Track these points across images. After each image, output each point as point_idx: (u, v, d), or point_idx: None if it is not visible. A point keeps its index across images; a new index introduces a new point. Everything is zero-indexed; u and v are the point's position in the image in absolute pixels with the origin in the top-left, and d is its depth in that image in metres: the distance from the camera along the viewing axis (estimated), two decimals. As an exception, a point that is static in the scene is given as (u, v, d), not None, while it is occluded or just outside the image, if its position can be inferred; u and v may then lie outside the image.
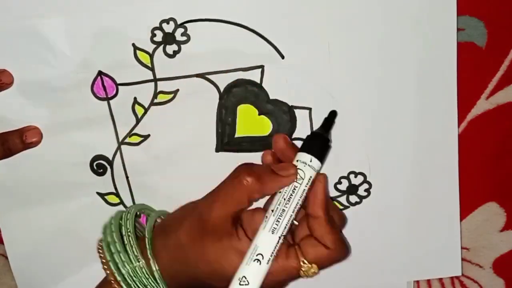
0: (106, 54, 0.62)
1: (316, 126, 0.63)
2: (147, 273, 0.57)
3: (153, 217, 0.62)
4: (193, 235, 0.56)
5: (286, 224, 0.54)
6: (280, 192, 0.55)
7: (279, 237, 0.54)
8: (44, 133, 0.64)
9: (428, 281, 0.72)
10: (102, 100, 0.63)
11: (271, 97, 0.62)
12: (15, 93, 0.62)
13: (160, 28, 0.60)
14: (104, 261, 0.58)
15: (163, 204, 0.66)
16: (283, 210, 0.54)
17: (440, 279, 0.72)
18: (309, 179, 0.55)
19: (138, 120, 0.64)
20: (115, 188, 0.66)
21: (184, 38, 0.61)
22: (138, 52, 0.61)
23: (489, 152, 0.67)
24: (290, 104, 0.63)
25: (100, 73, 0.62)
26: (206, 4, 0.59)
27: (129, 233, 0.59)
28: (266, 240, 0.54)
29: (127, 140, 0.64)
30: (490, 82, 0.64)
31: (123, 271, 0.57)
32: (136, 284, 0.57)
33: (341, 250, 0.56)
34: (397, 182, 0.65)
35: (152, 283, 0.57)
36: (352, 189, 0.66)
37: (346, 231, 0.67)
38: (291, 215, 0.55)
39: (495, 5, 0.61)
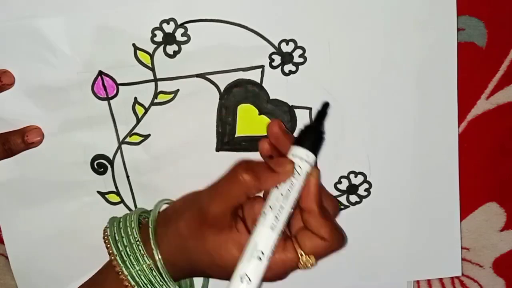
0: (106, 54, 0.62)
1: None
2: (153, 270, 0.57)
3: (158, 206, 0.62)
4: (193, 226, 0.56)
5: (285, 220, 0.55)
6: (277, 187, 0.55)
7: (278, 234, 0.54)
8: (45, 133, 0.64)
9: (428, 281, 0.72)
10: (102, 100, 0.63)
11: (271, 97, 0.63)
12: (16, 93, 0.62)
13: (160, 28, 0.60)
14: (110, 251, 0.59)
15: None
16: (281, 207, 0.54)
17: (440, 279, 0.72)
18: (305, 173, 0.55)
19: (138, 120, 0.64)
20: (116, 187, 0.66)
21: (185, 38, 0.61)
22: (138, 52, 0.61)
23: (489, 152, 0.67)
24: (290, 104, 0.63)
25: (100, 73, 0.62)
26: (206, 4, 0.60)
27: (134, 232, 0.59)
28: (266, 237, 0.54)
29: (127, 139, 0.65)
30: (490, 82, 0.64)
31: (131, 269, 0.57)
32: (141, 278, 0.57)
33: (337, 240, 0.56)
34: (397, 182, 0.66)
35: (156, 277, 0.57)
36: (352, 189, 0.66)
37: (346, 231, 0.67)
38: (289, 211, 0.55)
39: (495, 5, 0.61)
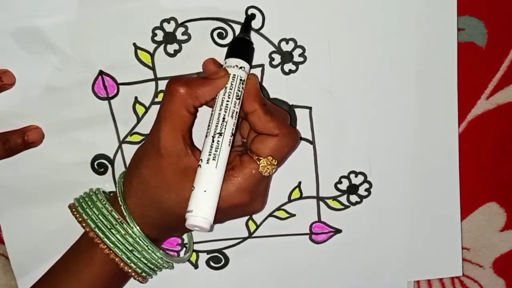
0: (107, 53, 0.62)
1: (317, 125, 0.63)
2: (123, 223, 0.58)
3: (122, 173, 0.62)
4: (152, 166, 0.56)
5: (230, 127, 0.55)
6: (226, 105, 0.55)
7: (228, 142, 0.55)
8: (45, 132, 0.64)
9: (429, 280, 0.72)
10: (103, 100, 0.63)
11: (271, 96, 0.63)
12: (17, 93, 0.63)
13: (161, 27, 0.60)
14: (80, 219, 0.59)
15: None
16: (223, 113, 0.55)
17: (440, 279, 0.72)
18: (241, 81, 0.56)
19: (139, 119, 0.64)
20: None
21: (185, 37, 0.61)
22: (139, 51, 0.61)
23: (489, 152, 0.67)
24: (290, 103, 0.63)
25: (101, 72, 0.62)
26: (207, 4, 0.60)
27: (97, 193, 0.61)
28: (225, 153, 0.55)
29: (128, 139, 0.65)
30: (490, 82, 0.64)
31: (104, 230, 0.58)
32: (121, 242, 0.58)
33: (289, 133, 0.56)
34: (397, 182, 0.66)
35: (138, 241, 0.58)
36: (352, 189, 0.66)
37: (346, 231, 0.67)
38: (231, 118, 0.55)
39: (495, 5, 0.61)
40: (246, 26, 0.59)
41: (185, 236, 0.68)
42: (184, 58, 0.61)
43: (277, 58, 0.61)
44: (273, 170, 0.56)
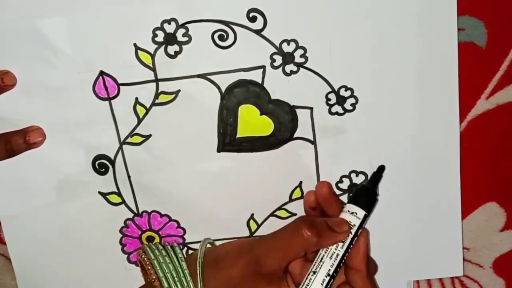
0: (107, 54, 0.62)
1: (318, 125, 0.64)
2: None
3: (204, 244, 0.62)
4: (246, 276, 0.57)
5: (335, 276, 0.58)
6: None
7: (322, 279, 0.57)
8: (46, 133, 0.64)
9: (429, 280, 0.72)
10: (103, 100, 0.63)
11: (272, 97, 0.63)
12: (18, 94, 0.63)
13: (161, 28, 0.60)
14: (154, 277, 0.59)
15: (165, 204, 0.67)
16: (332, 264, 0.57)
17: (440, 279, 0.72)
18: (356, 232, 0.59)
19: (139, 120, 0.64)
20: (117, 188, 0.66)
21: (186, 38, 0.61)
22: (139, 52, 0.61)
23: (489, 152, 0.67)
24: (291, 104, 0.63)
25: (101, 73, 0.62)
26: (207, 5, 0.60)
27: (182, 263, 0.60)
28: (306, 281, 0.57)
29: (128, 140, 0.65)
30: (490, 82, 0.64)
31: None
32: None
33: None
34: (398, 181, 0.66)
35: None
36: (353, 188, 0.66)
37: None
38: (338, 268, 0.58)
39: (495, 5, 0.61)
40: (377, 177, 0.62)
41: None
42: (185, 60, 0.61)
43: (279, 60, 0.61)
44: None
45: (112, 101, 0.63)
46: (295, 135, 0.64)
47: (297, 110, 0.63)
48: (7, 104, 0.63)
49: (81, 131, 0.64)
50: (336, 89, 0.62)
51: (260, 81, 0.62)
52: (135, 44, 0.61)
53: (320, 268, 0.57)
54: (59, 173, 0.66)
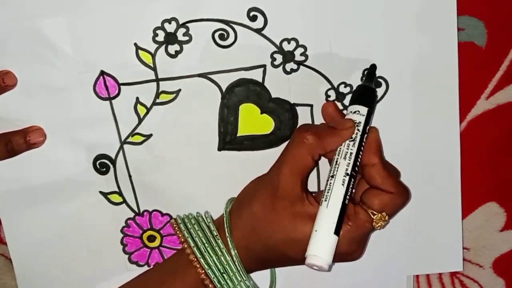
0: (108, 54, 0.62)
1: (318, 122, 0.64)
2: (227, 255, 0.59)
3: (230, 199, 0.63)
4: (266, 203, 0.57)
5: (353, 174, 0.56)
6: (339, 149, 0.57)
7: (349, 188, 0.56)
8: (47, 133, 0.64)
9: (428, 280, 0.72)
10: (104, 100, 0.63)
11: (273, 96, 0.63)
12: (18, 94, 0.63)
13: (162, 28, 0.61)
14: (183, 240, 0.60)
15: (166, 203, 0.67)
16: (348, 163, 0.56)
17: (440, 279, 0.72)
18: (364, 129, 0.58)
19: (140, 120, 0.64)
20: (118, 187, 0.67)
21: (186, 38, 0.61)
22: (140, 51, 0.61)
23: (489, 152, 0.67)
24: (292, 102, 0.63)
25: (102, 72, 0.62)
26: (208, 4, 0.60)
27: (207, 219, 0.62)
28: (338, 193, 0.56)
29: (129, 139, 0.65)
30: (490, 82, 0.64)
31: (207, 258, 0.59)
32: (216, 266, 0.59)
33: (404, 193, 0.58)
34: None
35: (233, 269, 0.59)
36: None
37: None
38: (356, 165, 0.57)
39: (495, 5, 0.61)
40: (371, 75, 0.61)
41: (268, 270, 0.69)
42: (185, 59, 0.61)
43: (279, 58, 0.61)
44: (385, 225, 0.57)
45: (113, 101, 0.63)
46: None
47: (297, 108, 0.63)
48: (8, 104, 0.63)
49: (82, 131, 0.64)
50: (335, 86, 0.63)
51: (260, 80, 0.62)
52: (135, 44, 0.61)
53: (337, 170, 0.56)
54: (59, 173, 0.66)
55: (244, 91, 0.63)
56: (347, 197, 0.56)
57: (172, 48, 0.61)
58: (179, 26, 0.60)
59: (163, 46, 0.61)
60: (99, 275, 0.70)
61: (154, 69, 0.62)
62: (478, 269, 0.72)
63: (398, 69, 0.62)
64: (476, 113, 0.66)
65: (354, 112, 0.58)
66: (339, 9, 0.60)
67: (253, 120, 0.64)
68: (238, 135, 0.64)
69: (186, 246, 0.60)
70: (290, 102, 0.63)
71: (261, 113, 0.64)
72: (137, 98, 0.63)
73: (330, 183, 0.56)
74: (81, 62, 0.62)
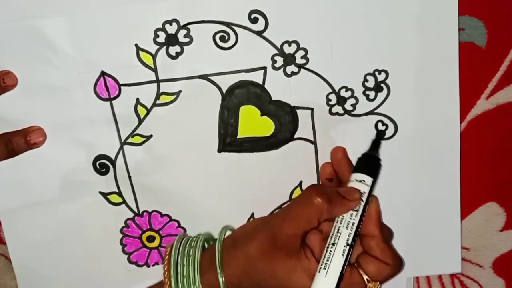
0: (109, 54, 0.62)
1: (318, 126, 0.64)
2: None
3: (223, 231, 0.63)
4: (263, 250, 0.57)
5: (353, 244, 0.57)
6: (342, 216, 0.58)
7: (348, 258, 0.57)
8: (47, 133, 0.64)
9: (428, 281, 0.72)
10: (104, 101, 0.63)
11: (273, 98, 0.63)
12: (19, 94, 0.63)
13: (163, 29, 0.60)
14: (166, 273, 0.60)
15: (165, 204, 0.67)
16: (349, 233, 0.57)
17: (440, 279, 0.72)
18: (367, 199, 0.59)
19: (140, 121, 0.64)
20: (118, 188, 0.67)
21: (187, 39, 0.61)
22: (141, 52, 0.61)
23: (489, 152, 0.67)
24: (292, 105, 0.63)
25: (103, 73, 0.62)
26: (209, 6, 0.60)
27: (195, 263, 0.61)
28: (337, 262, 0.56)
29: (129, 140, 0.65)
30: (490, 82, 0.64)
31: None
32: None
33: (399, 264, 0.59)
34: (398, 180, 0.66)
35: None
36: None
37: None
38: (355, 237, 0.58)
39: (495, 5, 0.61)
40: (377, 143, 0.62)
41: None
42: (186, 60, 0.61)
43: (280, 61, 0.61)
44: None
45: (113, 102, 0.63)
46: (296, 136, 0.64)
47: (298, 111, 0.63)
48: (8, 104, 0.63)
49: (82, 131, 0.64)
50: (336, 90, 0.63)
51: (261, 82, 0.62)
52: (136, 45, 0.61)
53: (338, 239, 0.57)
54: (59, 173, 0.66)
55: (245, 93, 0.63)
56: (345, 266, 0.57)
57: (173, 50, 0.61)
58: (180, 27, 0.60)
59: (164, 47, 0.61)
60: (99, 275, 0.70)
61: (154, 70, 0.62)
62: (478, 269, 0.72)
63: (399, 69, 0.62)
64: (476, 113, 0.66)
65: (360, 181, 0.59)
66: (340, 12, 0.60)
67: (253, 122, 0.64)
68: (238, 137, 0.64)
69: (166, 279, 0.60)
70: (290, 104, 0.63)
71: (261, 115, 0.64)
72: (138, 99, 0.63)
73: (331, 251, 0.56)
74: (81, 63, 0.62)
